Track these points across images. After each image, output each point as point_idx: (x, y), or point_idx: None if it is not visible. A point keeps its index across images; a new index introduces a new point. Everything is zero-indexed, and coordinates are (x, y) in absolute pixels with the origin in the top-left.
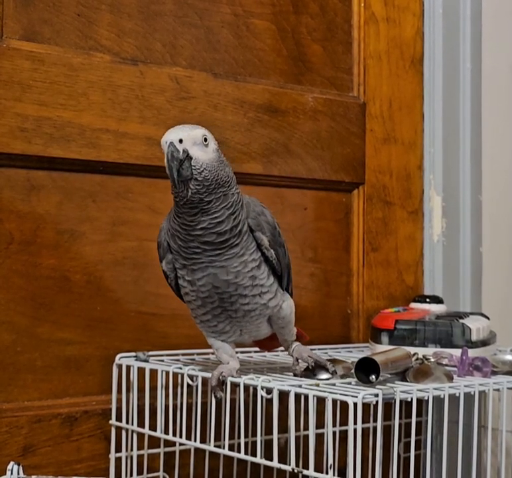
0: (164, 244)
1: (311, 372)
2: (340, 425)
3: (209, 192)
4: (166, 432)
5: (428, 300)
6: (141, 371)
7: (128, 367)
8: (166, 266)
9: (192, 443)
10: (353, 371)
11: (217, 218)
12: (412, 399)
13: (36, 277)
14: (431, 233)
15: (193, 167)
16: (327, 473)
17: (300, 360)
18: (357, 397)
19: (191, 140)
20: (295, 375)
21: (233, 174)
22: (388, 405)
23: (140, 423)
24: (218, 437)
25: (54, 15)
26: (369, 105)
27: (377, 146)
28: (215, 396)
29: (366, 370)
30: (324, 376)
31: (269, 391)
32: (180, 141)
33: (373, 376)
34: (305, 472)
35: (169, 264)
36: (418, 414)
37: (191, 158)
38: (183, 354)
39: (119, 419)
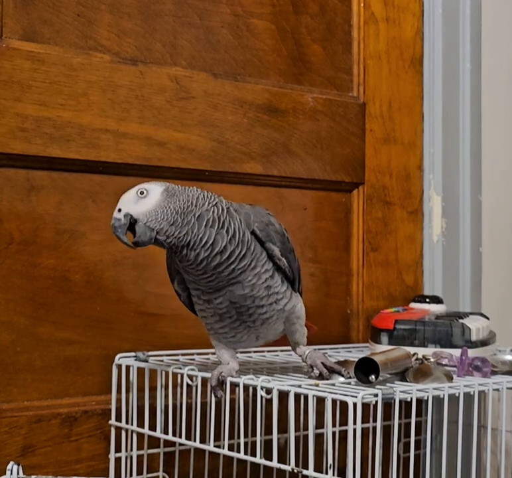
0: (172, 267)
1: (326, 378)
2: (340, 425)
3: (181, 227)
4: (166, 432)
5: (427, 300)
6: (141, 371)
7: (128, 367)
8: (177, 286)
9: (191, 443)
10: (351, 370)
11: (207, 242)
12: (411, 399)
13: (35, 277)
14: (431, 233)
15: (146, 225)
16: (326, 473)
17: (314, 368)
18: (356, 397)
19: (128, 203)
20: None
21: (199, 193)
22: (388, 405)
23: (140, 423)
24: (218, 437)
25: (54, 15)
26: (368, 105)
27: (377, 146)
28: (216, 396)
29: (366, 370)
30: (340, 379)
31: (269, 391)
32: (119, 210)
33: (373, 376)
34: (305, 472)
35: (180, 284)
36: (418, 414)
37: (136, 220)
38: (183, 354)
39: (118, 419)
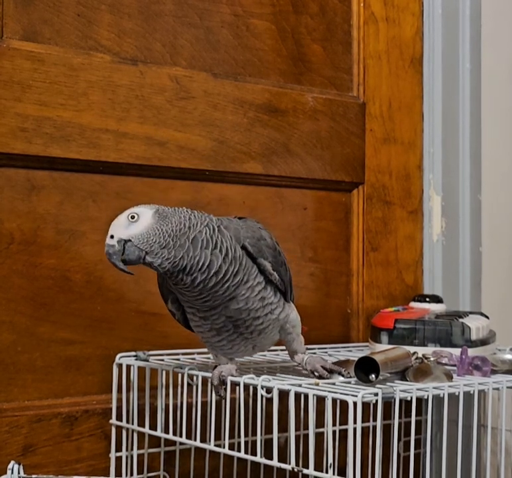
0: (166, 286)
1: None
2: (340, 424)
3: (174, 250)
4: (166, 431)
5: (427, 299)
6: (141, 370)
7: (128, 367)
8: (171, 306)
9: (192, 442)
10: (351, 370)
11: (203, 265)
12: (411, 398)
13: (36, 277)
14: (430, 232)
15: (136, 246)
16: (327, 472)
17: (314, 372)
18: (356, 396)
19: (119, 228)
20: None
21: (190, 214)
22: (388, 404)
23: (141, 423)
24: (218, 436)
25: (54, 15)
26: (368, 105)
27: (377, 146)
28: (218, 395)
29: (366, 369)
30: (340, 379)
31: (269, 390)
32: (112, 236)
33: (373, 375)
34: (305, 471)
35: (174, 303)
36: (418, 413)
37: (128, 241)
38: (183, 354)
39: (119, 418)
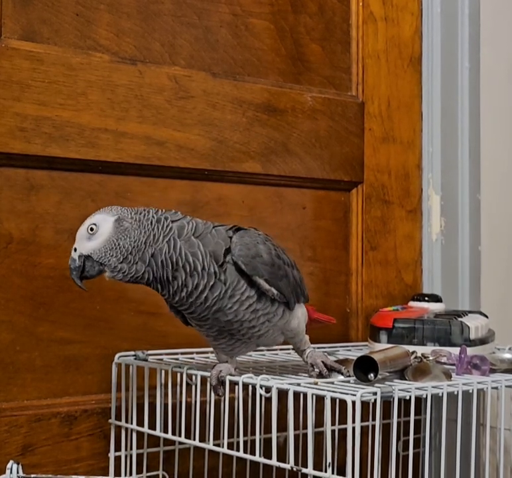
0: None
1: (325, 376)
2: (339, 424)
3: (134, 264)
4: (166, 431)
5: (426, 299)
6: (140, 370)
7: (127, 366)
8: (170, 310)
9: (191, 441)
10: (351, 369)
11: (168, 279)
12: (410, 397)
13: (35, 276)
14: (430, 232)
15: (96, 261)
16: (326, 472)
17: (315, 366)
18: (355, 395)
19: (81, 241)
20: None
21: (154, 226)
22: (388, 403)
23: (140, 422)
24: (217, 435)
25: (53, 15)
26: (367, 104)
27: (376, 145)
28: (217, 394)
29: (365, 368)
30: (339, 378)
31: (268, 389)
32: (75, 249)
33: (372, 375)
34: (304, 470)
35: (172, 308)
36: (417, 412)
37: (88, 256)
38: (182, 353)
39: (118, 418)
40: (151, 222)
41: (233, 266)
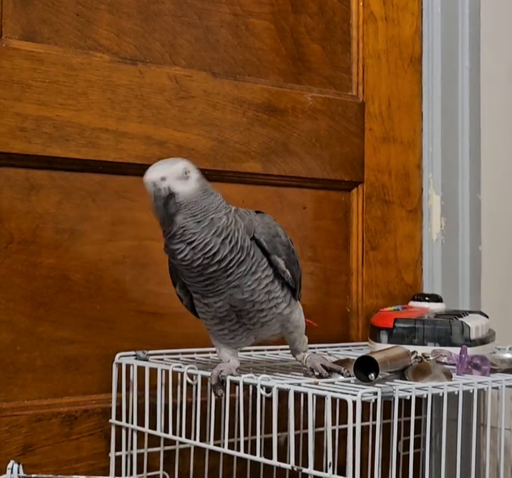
0: (173, 272)
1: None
2: (340, 424)
3: (198, 222)
4: (166, 431)
5: (427, 298)
6: (141, 370)
7: (128, 366)
8: (179, 291)
9: (191, 441)
10: (351, 369)
11: (211, 250)
12: (411, 397)
13: (35, 276)
14: (430, 232)
15: (178, 203)
16: (326, 471)
17: (314, 371)
18: (356, 395)
19: (173, 176)
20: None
21: (221, 198)
22: (388, 403)
23: (140, 422)
24: (218, 435)
25: (53, 15)
26: (368, 104)
27: (376, 145)
28: (216, 394)
29: (365, 368)
30: (339, 378)
31: (268, 389)
32: (163, 178)
33: (372, 375)
34: (304, 470)
35: (182, 289)
36: (418, 412)
37: (174, 194)
38: (183, 353)
39: (118, 418)
40: (216, 192)
41: (252, 241)
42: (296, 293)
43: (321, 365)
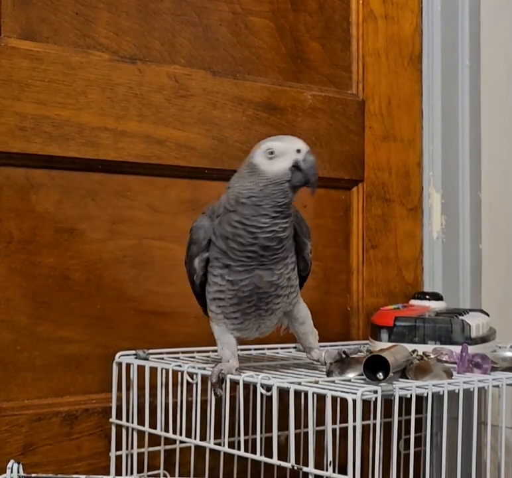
0: (203, 243)
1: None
2: (340, 422)
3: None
4: (166, 430)
5: (427, 297)
6: (141, 369)
7: (128, 365)
8: (198, 264)
9: (192, 440)
10: (349, 368)
11: (286, 223)
12: (411, 396)
13: (35, 275)
14: (430, 230)
15: (302, 171)
16: (327, 470)
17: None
18: (356, 394)
19: (305, 147)
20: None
21: None
22: (389, 402)
23: (141, 421)
24: (218, 434)
25: (52, 14)
26: (367, 102)
27: (376, 143)
28: (215, 394)
29: (372, 367)
30: (341, 377)
31: (269, 388)
32: (298, 151)
33: (381, 374)
34: (305, 469)
35: (202, 262)
36: (418, 411)
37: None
38: (183, 352)
39: (119, 417)
40: None
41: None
42: (303, 283)
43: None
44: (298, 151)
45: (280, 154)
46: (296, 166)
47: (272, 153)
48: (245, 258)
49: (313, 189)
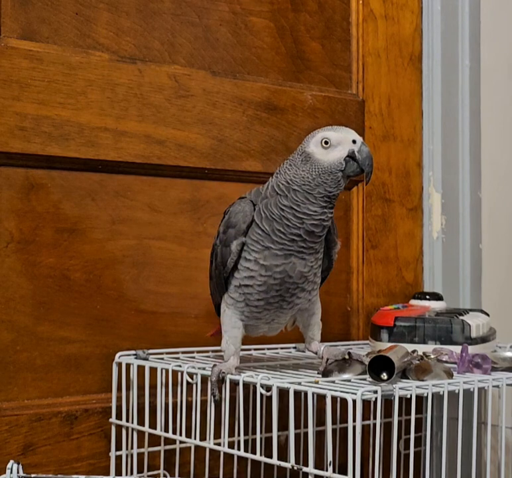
0: (242, 226)
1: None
2: (340, 422)
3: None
4: (166, 430)
5: (427, 297)
6: (141, 369)
7: (128, 365)
8: (235, 248)
9: (191, 440)
10: (349, 369)
11: (332, 213)
12: (411, 396)
13: (35, 275)
14: (430, 230)
15: (356, 161)
16: (327, 470)
17: (330, 360)
18: (356, 394)
19: (358, 138)
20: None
21: None
22: (389, 402)
23: (140, 421)
24: (218, 434)
25: (52, 14)
26: (367, 102)
27: (376, 143)
28: (213, 395)
29: (376, 367)
30: (341, 377)
31: (268, 388)
32: (354, 141)
33: (385, 374)
34: (305, 469)
35: (239, 246)
36: (418, 411)
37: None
38: (183, 352)
39: (119, 417)
40: None
41: None
42: (322, 283)
43: (340, 353)
44: (354, 141)
45: (336, 144)
46: (351, 157)
47: (327, 142)
48: (288, 241)
49: (367, 179)
